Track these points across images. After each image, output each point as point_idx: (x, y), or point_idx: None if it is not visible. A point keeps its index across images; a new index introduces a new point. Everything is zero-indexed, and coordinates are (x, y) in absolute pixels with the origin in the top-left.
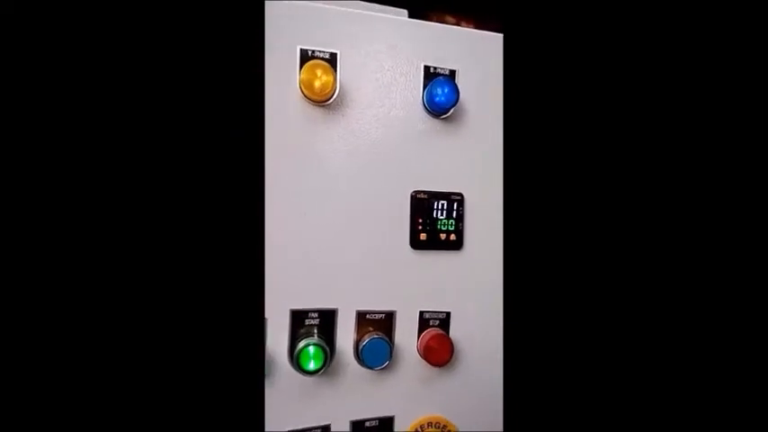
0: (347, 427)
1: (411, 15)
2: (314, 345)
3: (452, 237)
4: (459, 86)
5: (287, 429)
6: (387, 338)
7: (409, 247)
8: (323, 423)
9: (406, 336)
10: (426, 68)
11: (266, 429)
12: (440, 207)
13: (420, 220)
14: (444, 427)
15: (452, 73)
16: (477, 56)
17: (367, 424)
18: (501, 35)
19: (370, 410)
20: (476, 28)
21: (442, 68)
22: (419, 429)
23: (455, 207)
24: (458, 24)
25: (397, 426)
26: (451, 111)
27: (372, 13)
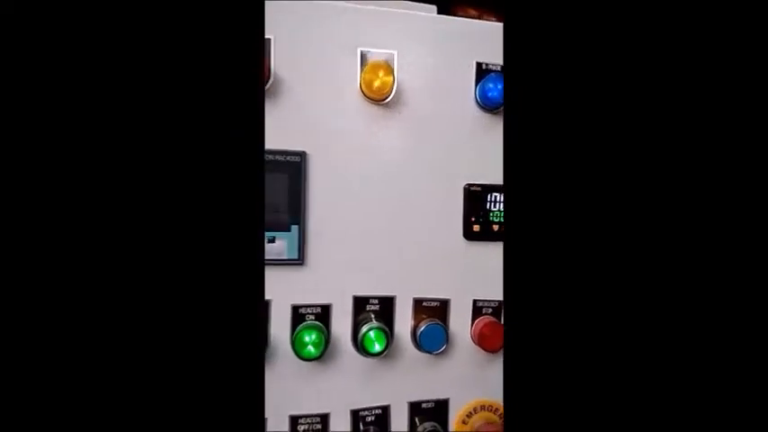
0: (405, 407)
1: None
2: (376, 329)
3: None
4: None
5: (350, 408)
6: (443, 324)
7: (463, 238)
8: (383, 403)
9: (460, 323)
10: (479, 65)
11: (330, 409)
12: (492, 199)
13: (473, 213)
14: (497, 410)
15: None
16: None
17: (423, 405)
18: None
19: (427, 393)
20: (497, 21)
21: (494, 65)
22: (472, 411)
23: None
24: (479, 18)
25: (452, 408)
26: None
27: (425, 14)
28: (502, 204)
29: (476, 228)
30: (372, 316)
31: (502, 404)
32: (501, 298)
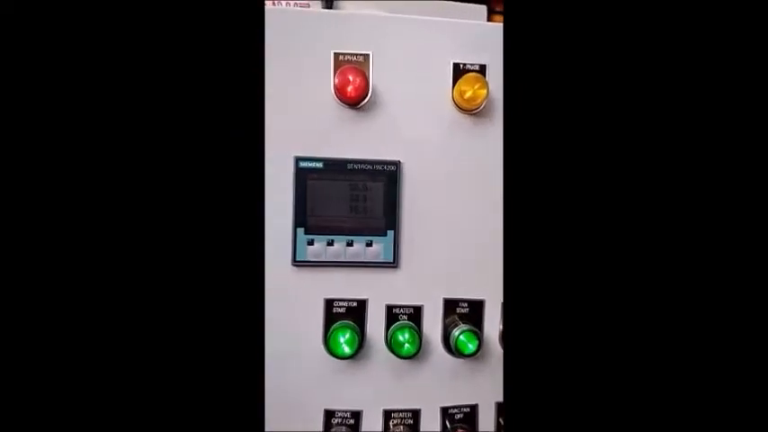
0: (492, 407)
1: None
2: (466, 331)
3: None
4: None
5: (440, 406)
6: None
7: None
8: (472, 402)
9: None
10: None
11: (421, 405)
12: None
13: None
14: None
15: None
16: None
17: None
18: None
19: None
20: None
21: None
22: None
23: None
24: None
25: None
26: None
27: None
28: None
29: None
30: (457, 318)
31: None
32: None
